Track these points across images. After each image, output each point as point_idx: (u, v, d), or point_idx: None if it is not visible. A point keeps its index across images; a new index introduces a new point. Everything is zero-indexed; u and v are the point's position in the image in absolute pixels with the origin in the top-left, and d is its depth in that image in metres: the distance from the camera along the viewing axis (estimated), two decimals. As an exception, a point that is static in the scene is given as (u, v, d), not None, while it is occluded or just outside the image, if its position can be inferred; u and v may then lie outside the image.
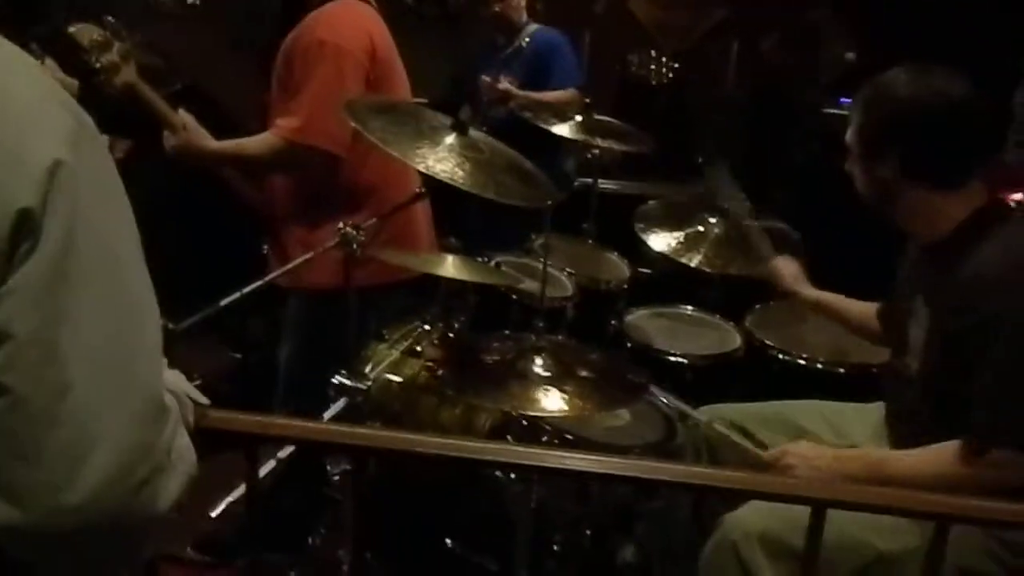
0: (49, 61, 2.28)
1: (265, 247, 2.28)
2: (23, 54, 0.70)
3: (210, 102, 3.07)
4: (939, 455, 1.45)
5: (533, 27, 3.60)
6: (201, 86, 3.24)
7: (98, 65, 1.84)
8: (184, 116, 2.02)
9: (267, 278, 1.67)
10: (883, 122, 1.54)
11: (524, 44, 3.48)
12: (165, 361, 1.09)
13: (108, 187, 0.72)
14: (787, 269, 2.09)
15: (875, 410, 1.78)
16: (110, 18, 1.88)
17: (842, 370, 2.17)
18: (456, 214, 2.41)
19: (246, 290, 1.61)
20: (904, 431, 1.62)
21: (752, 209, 2.32)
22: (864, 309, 1.95)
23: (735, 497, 1.42)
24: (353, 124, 1.65)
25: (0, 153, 0.63)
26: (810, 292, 2.03)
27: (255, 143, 2.03)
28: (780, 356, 2.23)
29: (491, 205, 1.59)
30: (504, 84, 3.44)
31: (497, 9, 3.58)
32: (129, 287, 0.71)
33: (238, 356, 3.26)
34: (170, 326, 1.46)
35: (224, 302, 1.63)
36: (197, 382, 3.65)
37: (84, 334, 0.66)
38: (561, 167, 3.56)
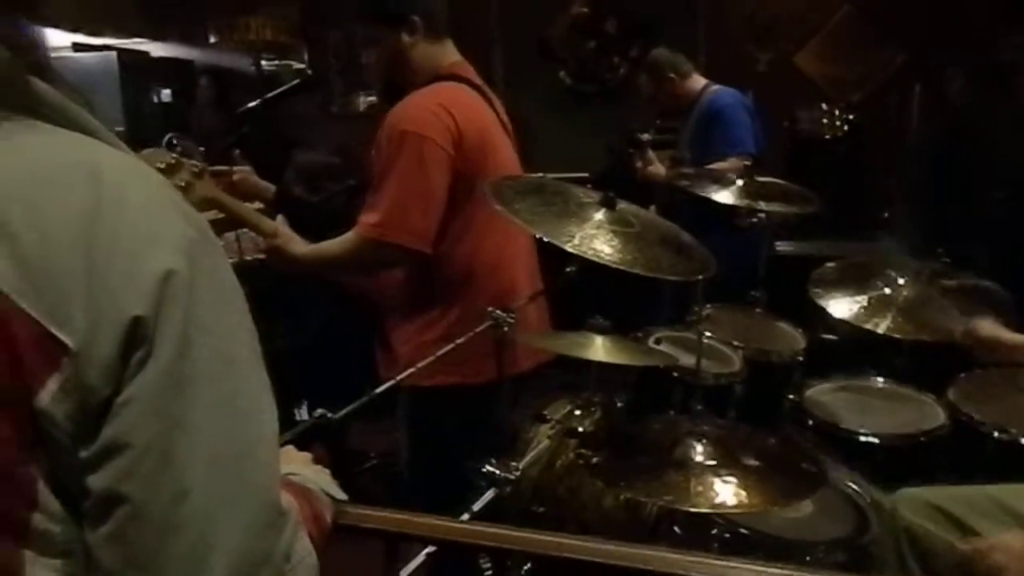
0: (247, 167, 2.46)
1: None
2: (143, 164, 0.71)
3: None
4: None
5: (712, 90, 3.50)
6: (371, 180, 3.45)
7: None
8: (278, 222, 1.98)
9: (419, 364, 1.67)
10: None
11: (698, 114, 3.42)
12: (308, 455, 1.10)
13: (224, 292, 0.71)
14: (985, 330, 1.82)
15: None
16: (174, 140, 1.94)
17: (1075, 449, 1.84)
18: (637, 289, 2.30)
19: (399, 377, 1.65)
20: None
21: (947, 267, 2.06)
22: None
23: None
24: (499, 208, 1.63)
25: (115, 262, 0.64)
26: (1012, 335, 1.76)
27: (337, 244, 1.92)
28: (995, 434, 1.91)
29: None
30: (653, 168, 3.36)
31: (661, 95, 3.57)
32: (245, 390, 0.70)
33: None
34: (328, 415, 1.50)
35: (379, 390, 1.67)
36: (373, 462, 3.74)
37: (200, 439, 0.65)
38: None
